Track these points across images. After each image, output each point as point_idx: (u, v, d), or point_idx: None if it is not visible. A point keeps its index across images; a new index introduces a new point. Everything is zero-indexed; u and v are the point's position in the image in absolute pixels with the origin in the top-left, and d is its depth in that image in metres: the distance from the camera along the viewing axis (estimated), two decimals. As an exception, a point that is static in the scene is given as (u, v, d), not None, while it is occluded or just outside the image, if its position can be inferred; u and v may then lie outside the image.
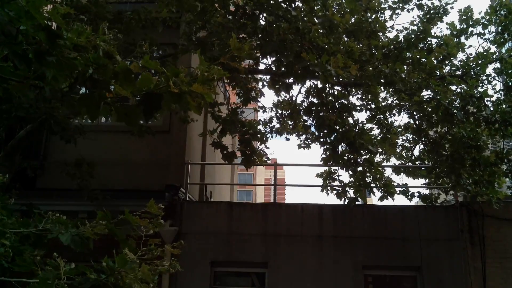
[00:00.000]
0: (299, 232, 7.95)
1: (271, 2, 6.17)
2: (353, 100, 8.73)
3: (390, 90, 8.11)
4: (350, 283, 7.64)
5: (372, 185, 7.67)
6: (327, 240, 7.90)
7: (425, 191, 9.85)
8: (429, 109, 7.50)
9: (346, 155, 7.26)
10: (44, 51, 1.77)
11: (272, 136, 9.06)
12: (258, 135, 7.02)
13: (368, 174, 7.62)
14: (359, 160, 7.28)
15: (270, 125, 9.16)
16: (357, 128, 7.37)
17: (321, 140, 7.51)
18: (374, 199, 8.50)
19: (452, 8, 8.41)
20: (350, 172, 7.57)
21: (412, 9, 8.74)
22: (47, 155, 8.43)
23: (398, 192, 8.37)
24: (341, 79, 5.30)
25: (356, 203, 7.92)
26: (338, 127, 7.12)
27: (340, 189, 7.99)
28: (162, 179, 8.27)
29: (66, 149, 7.37)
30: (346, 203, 7.85)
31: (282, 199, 39.53)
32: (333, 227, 7.97)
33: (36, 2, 1.62)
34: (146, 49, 2.03)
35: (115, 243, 2.20)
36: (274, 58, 6.74)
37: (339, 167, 7.87)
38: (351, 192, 7.94)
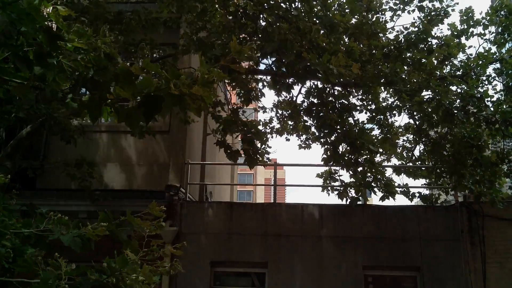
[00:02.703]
0: (299, 232, 7.94)
1: (271, 2, 6.17)
2: (353, 100, 8.73)
3: (391, 90, 8.10)
4: (350, 283, 7.64)
5: (373, 184, 7.67)
6: (327, 240, 7.90)
7: (426, 192, 9.85)
8: (429, 110, 7.49)
9: (347, 155, 7.25)
10: (45, 53, 1.78)
11: (272, 137, 9.08)
12: (259, 135, 7.02)
13: (369, 174, 7.61)
14: (360, 160, 7.28)
15: (270, 126, 9.18)
16: (357, 128, 7.37)
17: (322, 140, 7.52)
18: (375, 199, 8.50)
19: (453, 10, 8.36)
20: (351, 172, 7.56)
21: (413, 10, 8.68)
22: (46, 155, 8.44)
23: (399, 192, 8.36)
24: (341, 79, 5.29)
25: (358, 202, 7.93)
26: (339, 127, 7.12)
27: (342, 189, 7.99)
28: (162, 179, 8.28)
29: (65, 149, 7.38)
30: (348, 203, 7.86)
31: (282, 199, 39.53)
32: (333, 227, 7.97)
33: (37, 4, 1.62)
34: (147, 51, 2.04)
35: (118, 243, 2.20)
36: (274, 58, 6.74)
37: (340, 167, 7.88)
38: (352, 192, 7.95)
